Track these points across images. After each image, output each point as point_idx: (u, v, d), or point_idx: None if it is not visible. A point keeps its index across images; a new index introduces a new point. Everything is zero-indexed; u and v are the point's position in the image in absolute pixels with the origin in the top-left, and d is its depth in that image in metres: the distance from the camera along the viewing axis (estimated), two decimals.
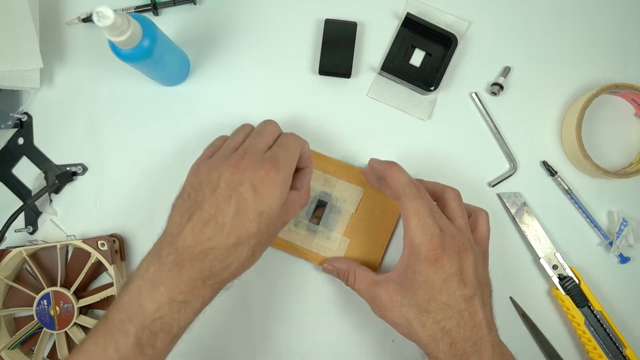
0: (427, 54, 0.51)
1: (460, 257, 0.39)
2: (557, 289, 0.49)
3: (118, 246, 0.50)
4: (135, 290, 0.36)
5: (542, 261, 0.49)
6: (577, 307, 0.48)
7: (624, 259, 0.50)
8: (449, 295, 0.38)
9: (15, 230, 0.52)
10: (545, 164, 0.51)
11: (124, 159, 0.52)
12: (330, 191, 0.50)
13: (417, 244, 0.39)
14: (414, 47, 0.51)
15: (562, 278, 0.49)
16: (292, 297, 0.51)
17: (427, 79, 0.50)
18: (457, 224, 0.41)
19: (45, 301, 0.49)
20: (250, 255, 0.38)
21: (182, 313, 0.36)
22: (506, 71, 0.51)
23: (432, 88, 0.49)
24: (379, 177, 0.46)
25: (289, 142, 0.42)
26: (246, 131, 0.44)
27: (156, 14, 0.52)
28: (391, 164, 0.43)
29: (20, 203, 0.52)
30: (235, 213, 0.36)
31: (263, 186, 0.37)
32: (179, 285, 0.36)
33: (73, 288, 0.49)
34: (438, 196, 0.44)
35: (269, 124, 0.44)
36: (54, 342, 0.49)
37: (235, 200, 0.36)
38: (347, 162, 0.51)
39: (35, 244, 0.50)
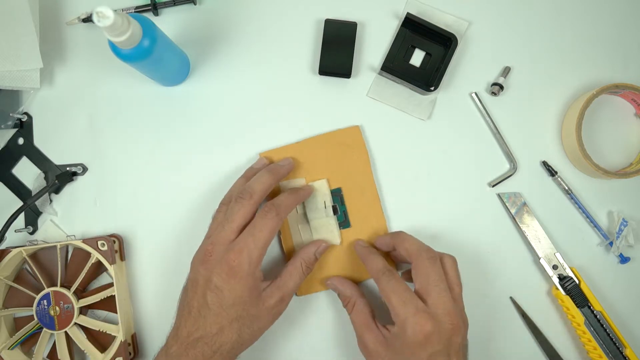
0: (427, 54, 0.51)
1: (452, 333, 0.39)
2: (557, 289, 0.49)
3: (118, 246, 0.50)
4: None
5: (542, 261, 0.49)
6: (577, 307, 0.48)
7: (624, 259, 0.50)
8: None
9: (15, 230, 0.52)
10: (545, 164, 0.51)
11: (124, 159, 0.52)
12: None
13: (403, 318, 0.40)
14: (414, 47, 0.51)
15: (562, 278, 0.49)
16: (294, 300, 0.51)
17: (427, 79, 0.50)
18: (454, 295, 0.42)
19: (45, 301, 0.49)
20: (237, 337, 0.41)
21: None
22: (506, 71, 0.51)
23: (432, 88, 0.49)
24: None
25: (259, 227, 0.42)
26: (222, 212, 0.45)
27: (156, 14, 0.52)
28: (367, 253, 0.46)
29: (20, 203, 0.52)
30: (212, 305, 0.41)
31: (229, 279, 0.41)
32: None
33: (73, 288, 0.49)
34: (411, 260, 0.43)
35: (241, 203, 0.43)
36: (54, 342, 0.49)
37: (209, 295, 0.41)
38: None
39: (35, 244, 0.50)
